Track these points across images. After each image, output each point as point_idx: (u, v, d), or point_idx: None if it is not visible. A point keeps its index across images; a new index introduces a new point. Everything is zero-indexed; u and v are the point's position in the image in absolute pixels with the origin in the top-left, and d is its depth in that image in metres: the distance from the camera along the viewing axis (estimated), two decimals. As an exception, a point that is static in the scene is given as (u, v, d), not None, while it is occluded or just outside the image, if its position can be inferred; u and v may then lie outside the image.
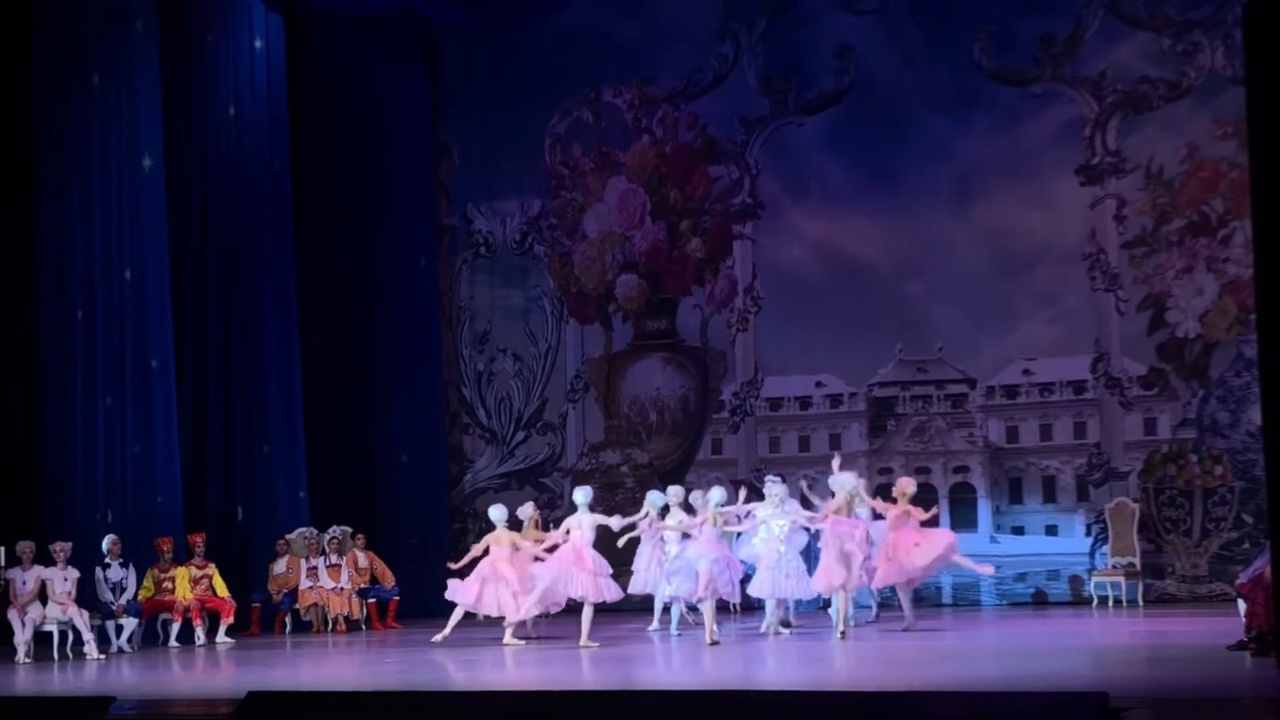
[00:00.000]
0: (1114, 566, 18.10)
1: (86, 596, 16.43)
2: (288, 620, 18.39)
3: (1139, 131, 18.99)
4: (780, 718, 10.52)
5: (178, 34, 18.90)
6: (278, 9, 19.65)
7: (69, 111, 18.12)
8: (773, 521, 15.62)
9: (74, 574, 16.24)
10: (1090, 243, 19.13)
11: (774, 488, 15.93)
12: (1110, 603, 17.87)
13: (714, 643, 14.66)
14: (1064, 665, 12.83)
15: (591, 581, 15.35)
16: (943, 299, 19.57)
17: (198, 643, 17.04)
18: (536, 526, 16.67)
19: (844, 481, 15.54)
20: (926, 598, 18.80)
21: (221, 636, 17.21)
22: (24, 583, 16.04)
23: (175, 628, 17.11)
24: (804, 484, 17.09)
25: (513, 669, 13.77)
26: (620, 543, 16.45)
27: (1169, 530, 18.51)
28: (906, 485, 16.12)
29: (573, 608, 15.70)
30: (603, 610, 16.07)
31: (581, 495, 15.83)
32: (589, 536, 15.52)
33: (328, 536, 18.64)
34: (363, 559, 18.58)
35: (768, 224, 20.41)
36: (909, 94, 19.73)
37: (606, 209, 21.02)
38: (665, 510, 16.56)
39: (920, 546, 15.60)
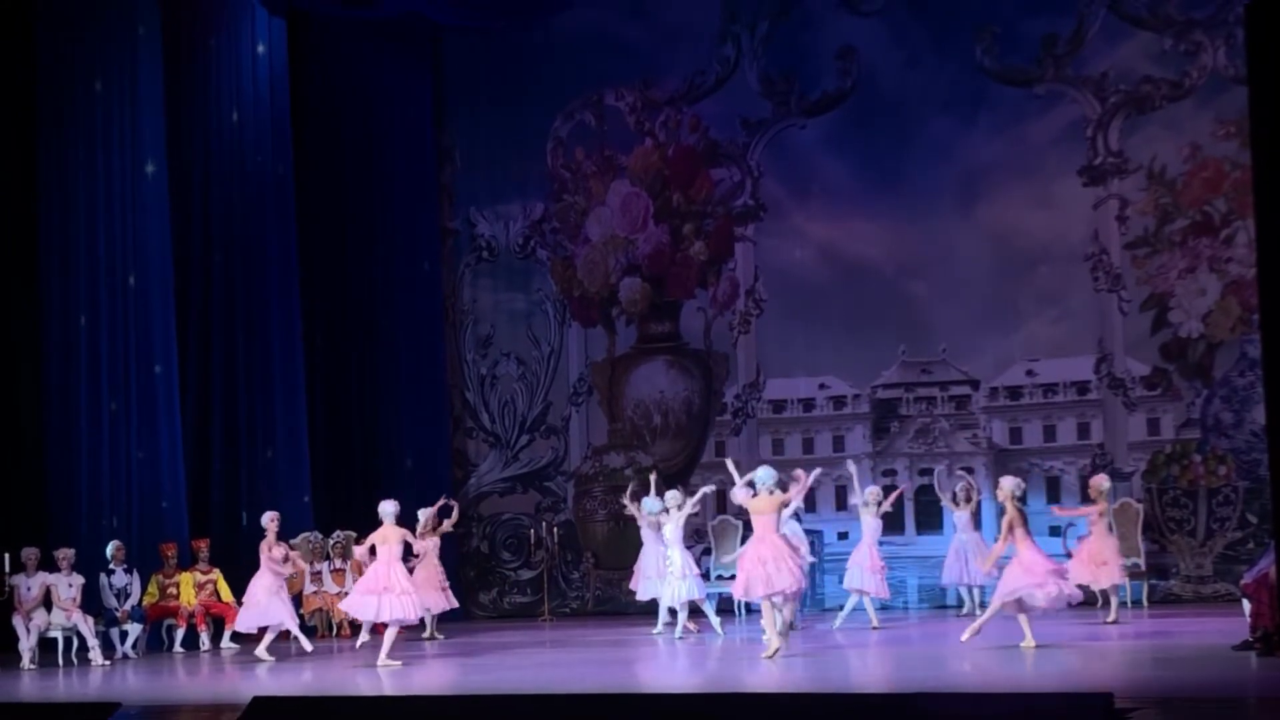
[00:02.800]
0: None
1: (91, 602, 16.44)
2: (293, 625, 18.38)
3: (1141, 131, 18.99)
4: (785, 720, 10.51)
5: (181, 39, 18.93)
6: (280, 13, 19.66)
7: (73, 117, 18.13)
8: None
9: (79, 580, 16.25)
10: (1093, 243, 19.12)
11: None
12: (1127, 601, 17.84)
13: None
14: (1069, 666, 12.82)
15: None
16: (946, 300, 19.56)
17: (202, 648, 17.05)
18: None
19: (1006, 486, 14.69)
20: (931, 599, 18.80)
21: (226, 642, 17.21)
22: (29, 589, 16.06)
23: (180, 633, 17.13)
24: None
25: (518, 673, 13.77)
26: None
27: (1173, 530, 18.50)
28: (1103, 483, 16.23)
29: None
30: (609, 613, 16.13)
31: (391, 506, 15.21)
32: (396, 551, 15.03)
33: (332, 541, 18.66)
34: (367, 563, 18.56)
35: (770, 226, 20.42)
36: (911, 95, 19.72)
37: (609, 212, 21.02)
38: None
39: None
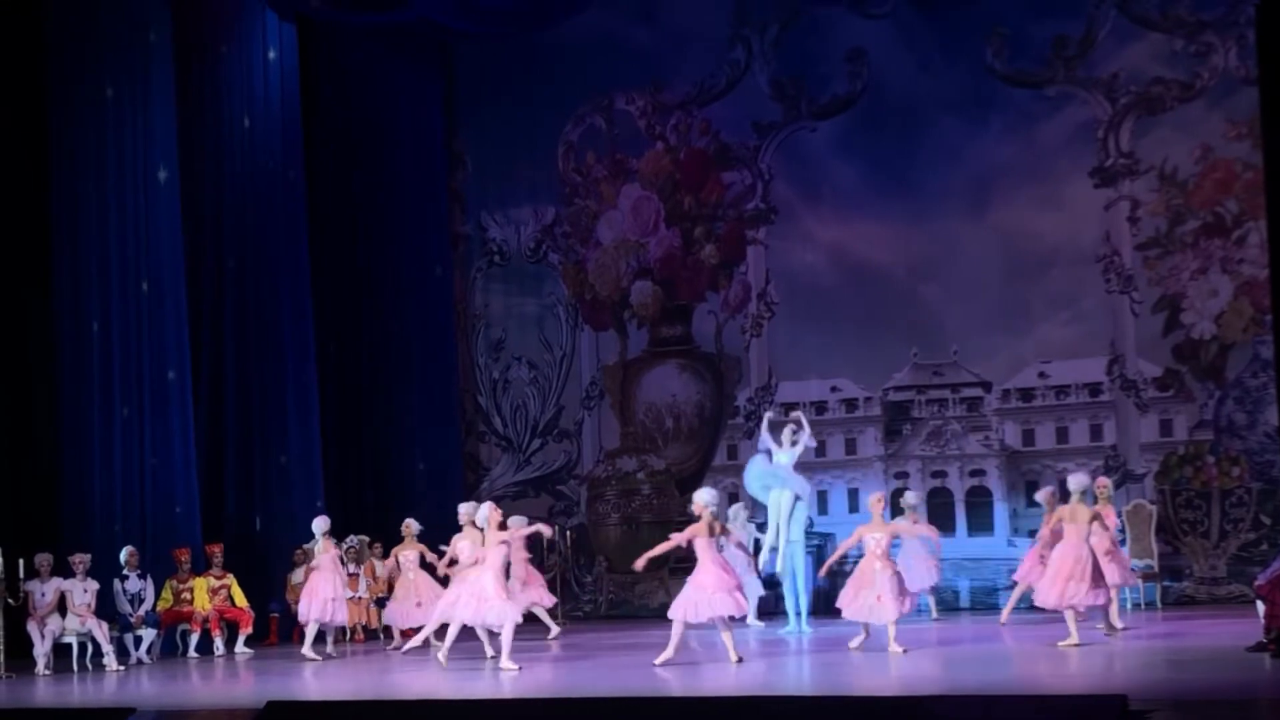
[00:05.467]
0: (1132, 569, 18.04)
1: (105, 608, 16.46)
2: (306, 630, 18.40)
3: (1153, 133, 18.98)
4: (799, 723, 10.52)
5: (192, 45, 18.94)
6: (292, 19, 19.69)
7: (84, 124, 18.14)
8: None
9: (93, 586, 16.27)
10: (1104, 245, 19.12)
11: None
12: (1129, 605, 17.83)
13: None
14: (1083, 668, 12.81)
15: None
16: (957, 302, 19.56)
17: (216, 653, 17.07)
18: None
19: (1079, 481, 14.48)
20: (944, 601, 18.78)
21: (240, 647, 17.24)
22: (43, 595, 16.07)
23: (194, 638, 17.15)
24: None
25: (530, 677, 13.77)
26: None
27: (1187, 532, 18.48)
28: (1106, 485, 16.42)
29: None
30: (622, 617, 16.11)
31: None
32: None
33: (345, 546, 18.63)
34: (380, 568, 18.59)
35: (781, 229, 20.43)
36: (922, 97, 19.73)
37: (620, 216, 21.05)
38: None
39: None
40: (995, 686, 11.71)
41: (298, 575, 18.48)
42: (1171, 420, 18.81)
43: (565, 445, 21.19)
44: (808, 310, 20.20)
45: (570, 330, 21.24)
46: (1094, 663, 13.16)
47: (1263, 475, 18.25)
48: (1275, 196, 9.84)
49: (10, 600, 15.90)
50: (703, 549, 13.71)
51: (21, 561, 16.04)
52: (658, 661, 13.55)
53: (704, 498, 13.84)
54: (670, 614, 13.78)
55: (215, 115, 19.30)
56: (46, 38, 18.16)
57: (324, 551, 16.62)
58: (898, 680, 12.57)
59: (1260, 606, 12.73)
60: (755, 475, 17.05)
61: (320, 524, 16.69)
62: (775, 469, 16.80)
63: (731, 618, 13.84)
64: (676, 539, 13.86)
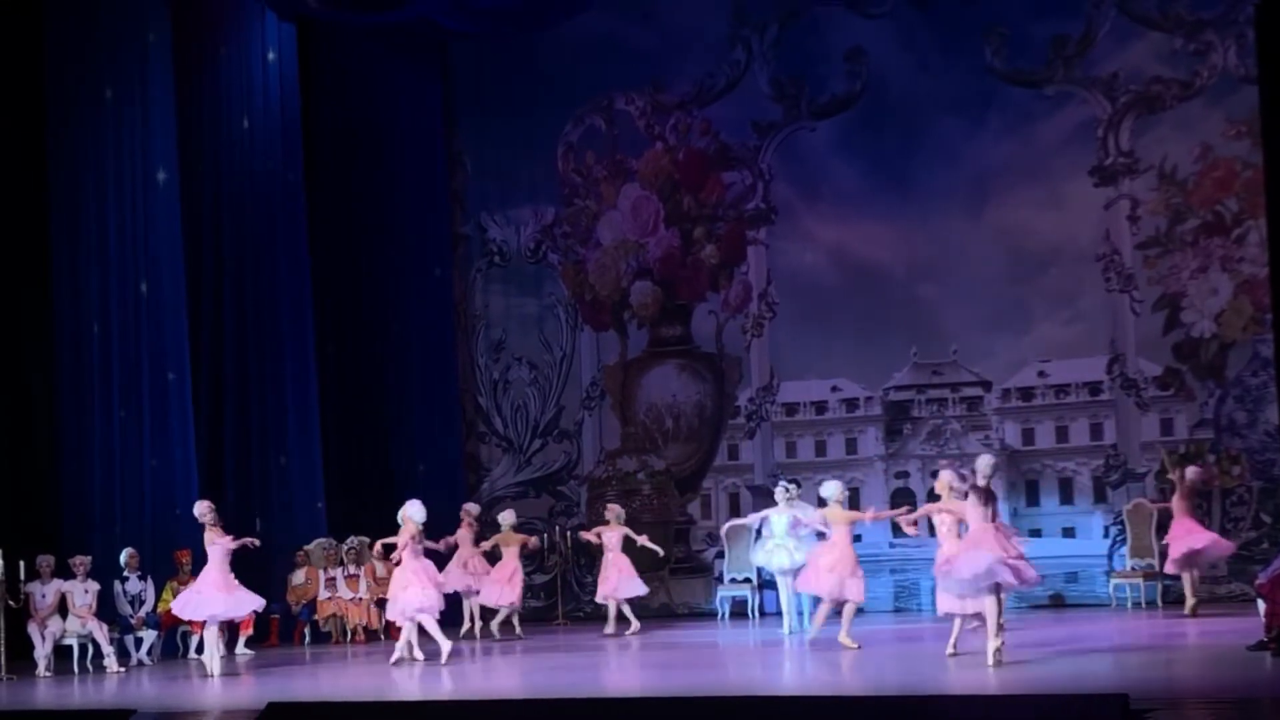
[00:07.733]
0: (1132, 568, 18.05)
1: (106, 610, 16.47)
2: (307, 631, 18.42)
3: (1152, 132, 18.97)
4: (800, 723, 10.51)
5: (191, 47, 18.95)
6: (291, 20, 19.69)
7: (83, 125, 18.17)
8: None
9: (94, 587, 16.29)
10: (1104, 243, 19.11)
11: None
12: (1129, 604, 17.83)
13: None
14: (1084, 668, 12.81)
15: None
16: (957, 302, 19.55)
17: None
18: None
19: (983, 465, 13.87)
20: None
21: (241, 648, 17.24)
22: (44, 596, 16.09)
23: (194, 640, 17.13)
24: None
25: (531, 678, 13.77)
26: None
27: (1187, 531, 18.43)
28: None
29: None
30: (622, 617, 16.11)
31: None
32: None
33: (346, 547, 18.65)
34: (381, 569, 18.58)
35: (781, 229, 20.42)
36: (921, 97, 19.72)
37: (620, 216, 21.03)
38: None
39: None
40: (997, 686, 11.71)
41: (298, 576, 18.52)
42: (1172, 419, 18.80)
43: (565, 446, 21.17)
44: (808, 310, 20.19)
45: (570, 331, 21.22)
46: (1094, 662, 13.16)
47: (1263, 474, 18.24)
48: (1275, 195, 9.82)
49: (11, 602, 15.92)
50: (405, 554, 15.38)
51: (22, 563, 16.05)
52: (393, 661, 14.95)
53: (408, 510, 15.50)
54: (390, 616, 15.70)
55: (214, 116, 19.31)
56: (46, 39, 18.18)
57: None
58: (898, 680, 12.56)
59: (1261, 605, 12.74)
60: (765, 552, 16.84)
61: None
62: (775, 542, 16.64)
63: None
64: (399, 546, 15.52)
